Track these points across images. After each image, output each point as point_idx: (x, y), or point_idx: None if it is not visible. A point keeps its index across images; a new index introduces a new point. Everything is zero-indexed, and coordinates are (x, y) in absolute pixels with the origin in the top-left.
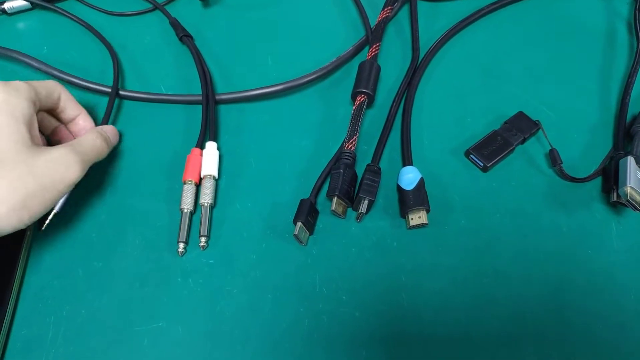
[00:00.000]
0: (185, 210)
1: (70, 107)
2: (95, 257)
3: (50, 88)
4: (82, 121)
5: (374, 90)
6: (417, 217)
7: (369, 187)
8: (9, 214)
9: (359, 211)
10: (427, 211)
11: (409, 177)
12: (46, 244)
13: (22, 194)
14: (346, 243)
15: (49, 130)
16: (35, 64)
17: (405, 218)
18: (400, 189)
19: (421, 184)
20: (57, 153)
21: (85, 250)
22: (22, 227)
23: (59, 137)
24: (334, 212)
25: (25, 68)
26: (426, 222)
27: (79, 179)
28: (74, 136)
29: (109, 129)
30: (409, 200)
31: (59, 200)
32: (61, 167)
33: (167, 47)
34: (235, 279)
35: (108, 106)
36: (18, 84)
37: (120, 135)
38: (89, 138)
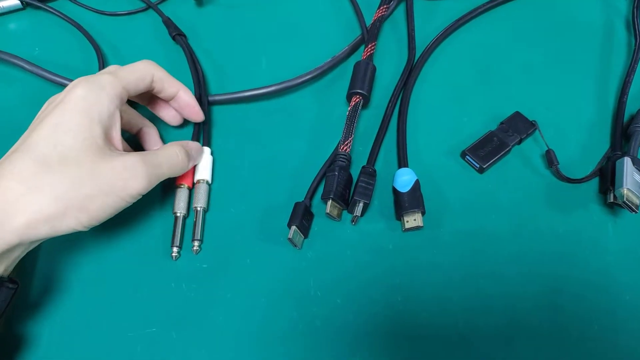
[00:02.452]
0: (179, 215)
1: (168, 85)
2: (88, 262)
3: (141, 73)
4: (184, 95)
5: (370, 90)
6: (413, 220)
7: (364, 190)
8: (66, 213)
9: (354, 214)
10: (423, 214)
11: (405, 179)
12: (38, 248)
13: (81, 194)
14: (341, 246)
15: (135, 130)
16: (27, 66)
17: (400, 220)
18: (395, 191)
19: (416, 186)
20: (125, 161)
21: (78, 254)
22: (81, 229)
23: (143, 138)
24: (328, 215)
25: (16, 70)
26: (421, 225)
27: (144, 191)
28: (180, 112)
29: (193, 145)
30: (404, 203)
31: (124, 207)
32: (126, 176)
33: (160, 46)
34: (229, 284)
35: None
36: (103, 79)
37: None
38: (168, 152)
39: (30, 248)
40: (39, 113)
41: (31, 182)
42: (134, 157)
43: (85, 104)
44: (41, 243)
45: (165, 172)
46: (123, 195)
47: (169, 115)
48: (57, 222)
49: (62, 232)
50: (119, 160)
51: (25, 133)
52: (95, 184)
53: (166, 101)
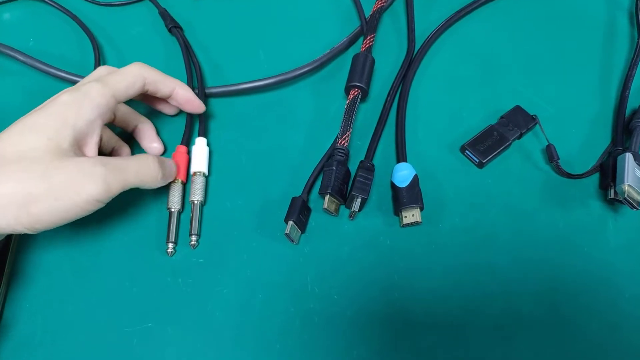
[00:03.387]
0: (173, 210)
1: (162, 86)
2: (83, 256)
3: (132, 79)
4: (181, 92)
5: (368, 83)
6: (411, 215)
7: (362, 185)
8: (6, 210)
9: (352, 209)
10: (421, 209)
11: (403, 174)
12: (34, 242)
13: (23, 193)
14: (339, 241)
15: (130, 127)
16: (21, 58)
17: (398, 216)
18: (394, 186)
19: (415, 181)
20: (81, 163)
21: (74, 249)
22: (23, 230)
23: (139, 135)
24: (326, 210)
25: (11, 61)
26: (420, 221)
27: (100, 196)
28: (180, 108)
29: (169, 161)
30: (402, 198)
31: (79, 215)
32: (80, 179)
33: (157, 38)
34: (225, 279)
35: None
36: (91, 88)
37: None
38: (138, 159)
39: None
40: None
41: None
42: (92, 160)
43: (64, 108)
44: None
45: (131, 179)
46: (77, 200)
47: (164, 108)
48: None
49: (2, 229)
50: (74, 162)
51: None
52: (45, 184)
53: (166, 100)
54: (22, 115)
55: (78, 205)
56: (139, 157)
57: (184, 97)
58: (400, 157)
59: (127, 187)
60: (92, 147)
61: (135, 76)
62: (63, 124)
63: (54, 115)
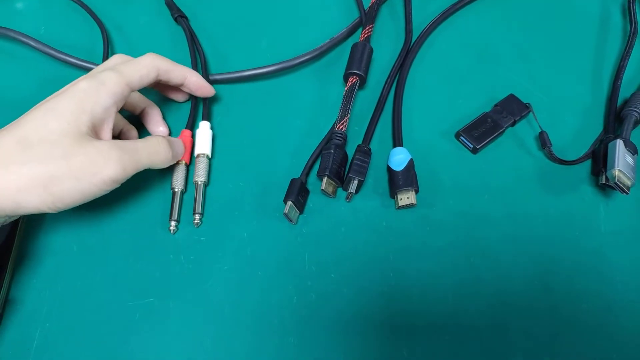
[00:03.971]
0: (177, 190)
1: (174, 75)
2: (89, 234)
3: (146, 70)
4: (192, 78)
5: (366, 71)
6: (406, 198)
7: (359, 168)
8: (30, 190)
9: (349, 191)
10: (416, 192)
11: (399, 158)
12: (41, 221)
13: (47, 174)
14: (336, 222)
15: (138, 110)
16: (33, 44)
17: (394, 198)
18: (390, 170)
19: (411, 165)
20: (99, 146)
21: (79, 227)
22: (46, 210)
23: (146, 119)
24: (324, 192)
25: (24, 47)
26: (415, 203)
27: (117, 177)
28: (191, 93)
29: (176, 140)
30: (398, 181)
31: (97, 194)
32: (99, 160)
33: (163, 27)
34: (226, 256)
35: None
36: (107, 76)
37: None
38: (148, 141)
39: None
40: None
41: (5, 159)
42: (109, 143)
43: (82, 95)
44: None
45: (144, 160)
46: (95, 180)
47: (175, 95)
48: (20, 197)
49: (26, 209)
50: (93, 145)
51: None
52: (66, 166)
53: (179, 87)
54: (35, 99)
55: (97, 186)
56: (150, 140)
57: (196, 83)
58: (397, 141)
59: (141, 169)
60: (107, 132)
61: (149, 67)
62: (82, 110)
63: (73, 100)
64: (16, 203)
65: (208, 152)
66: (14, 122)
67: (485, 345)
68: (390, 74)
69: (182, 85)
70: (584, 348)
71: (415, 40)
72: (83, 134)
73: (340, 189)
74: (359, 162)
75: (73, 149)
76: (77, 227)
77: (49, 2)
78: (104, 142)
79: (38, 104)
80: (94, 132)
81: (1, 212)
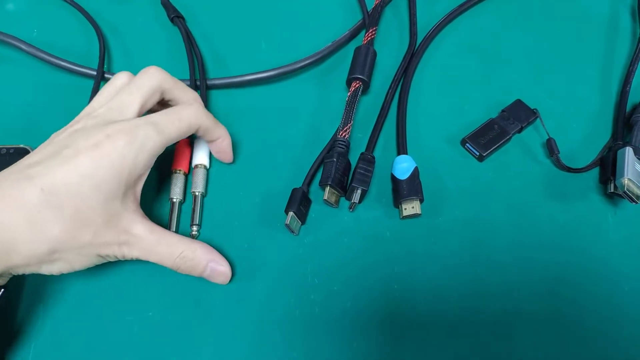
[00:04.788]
0: (175, 200)
1: (210, 135)
2: None
3: (188, 129)
4: (223, 143)
5: (370, 76)
6: (411, 207)
7: (363, 177)
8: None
9: (352, 201)
10: (421, 201)
11: (403, 167)
12: None
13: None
14: (339, 233)
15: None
16: (25, 48)
17: (398, 208)
18: (394, 178)
19: (415, 173)
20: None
21: None
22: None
23: None
24: (326, 202)
25: (15, 51)
26: (419, 213)
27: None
28: (213, 153)
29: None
30: (402, 190)
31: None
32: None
33: (160, 28)
34: None
35: (94, 90)
36: (147, 135)
37: None
38: (176, 248)
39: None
40: (72, 127)
41: (38, 224)
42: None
43: (121, 162)
44: None
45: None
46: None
47: None
48: (45, 265)
49: (47, 272)
50: (119, 229)
51: (45, 151)
52: (90, 242)
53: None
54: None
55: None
56: (177, 247)
57: (224, 147)
58: (401, 149)
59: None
60: (137, 193)
61: (191, 125)
62: (119, 182)
63: (112, 170)
64: (39, 269)
65: (206, 162)
66: (30, 160)
67: (492, 356)
68: (394, 78)
69: (209, 142)
70: (591, 357)
71: (420, 43)
72: (115, 210)
73: (343, 199)
74: (362, 171)
75: (102, 228)
76: None
77: (41, 3)
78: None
79: (68, 149)
80: (126, 196)
81: (24, 272)
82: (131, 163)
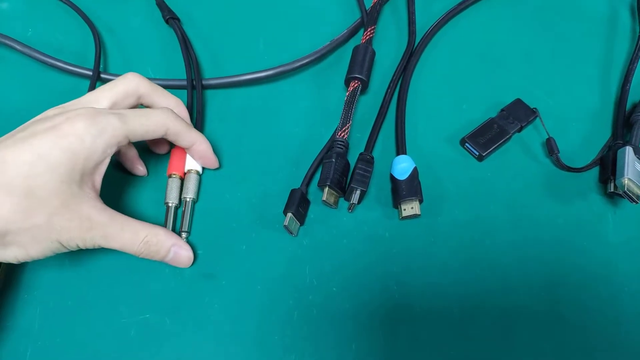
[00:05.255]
0: (170, 205)
1: (182, 139)
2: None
3: (154, 127)
4: (201, 147)
5: (368, 75)
6: (410, 208)
7: (361, 177)
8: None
9: (351, 201)
10: (420, 202)
11: (403, 167)
12: None
13: (22, 231)
14: (337, 234)
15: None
16: (19, 47)
17: (398, 208)
18: (393, 179)
19: (415, 173)
20: (82, 215)
21: None
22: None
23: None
24: (325, 203)
25: (9, 51)
26: (419, 213)
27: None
28: (197, 161)
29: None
30: (401, 191)
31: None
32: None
33: (156, 29)
34: (224, 270)
35: (89, 90)
36: (109, 123)
37: None
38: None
39: None
40: (37, 118)
41: None
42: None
43: (78, 146)
44: None
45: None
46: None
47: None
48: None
49: (2, 259)
50: (77, 214)
51: (11, 135)
52: (47, 230)
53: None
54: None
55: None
56: (140, 233)
57: (201, 152)
58: (400, 149)
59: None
60: (97, 181)
61: (158, 125)
62: (74, 165)
63: (67, 152)
64: None
65: (198, 167)
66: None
67: (492, 356)
68: (393, 77)
69: (187, 149)
70: (590, 357)
71: (419, 42)
72: (73, 194)
73: (342, 199)
74: (361, 172)
75: (59, 213)
76: None
77: (36, 2)
78: (87, 212)
79: (24, 136)
80: (85, 185)
81: None
82: (88, 146)
